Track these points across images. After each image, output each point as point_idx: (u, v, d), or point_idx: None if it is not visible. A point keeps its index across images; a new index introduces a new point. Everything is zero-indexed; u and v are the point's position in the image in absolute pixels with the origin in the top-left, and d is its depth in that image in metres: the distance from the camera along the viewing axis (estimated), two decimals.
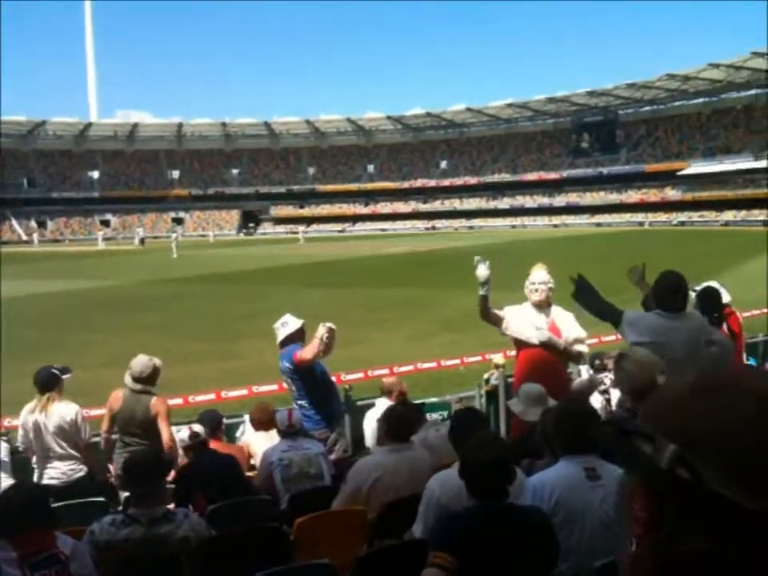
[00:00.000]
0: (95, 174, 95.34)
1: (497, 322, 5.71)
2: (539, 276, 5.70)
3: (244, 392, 9.42)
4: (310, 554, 3.57)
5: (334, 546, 3.65)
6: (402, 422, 4.34)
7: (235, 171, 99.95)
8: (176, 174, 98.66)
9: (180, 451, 5.25)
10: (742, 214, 66.93)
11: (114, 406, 5.60)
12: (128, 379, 5.62)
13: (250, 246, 56.88)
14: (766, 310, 12.63)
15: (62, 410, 5.45)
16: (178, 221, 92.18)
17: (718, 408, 0.75)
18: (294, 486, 4.69)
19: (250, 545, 3.66)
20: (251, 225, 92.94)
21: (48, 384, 5.47)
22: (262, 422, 5.85)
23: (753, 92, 79.07)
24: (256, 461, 5.43)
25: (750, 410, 0.73)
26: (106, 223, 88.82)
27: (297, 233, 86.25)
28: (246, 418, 6.48)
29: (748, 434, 0.72)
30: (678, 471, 0.75)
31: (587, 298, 4.34)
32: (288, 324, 6.17)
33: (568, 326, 5.65)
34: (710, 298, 5.66)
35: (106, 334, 15.36)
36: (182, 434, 5.13)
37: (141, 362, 5.66)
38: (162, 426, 5.54)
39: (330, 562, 3.28)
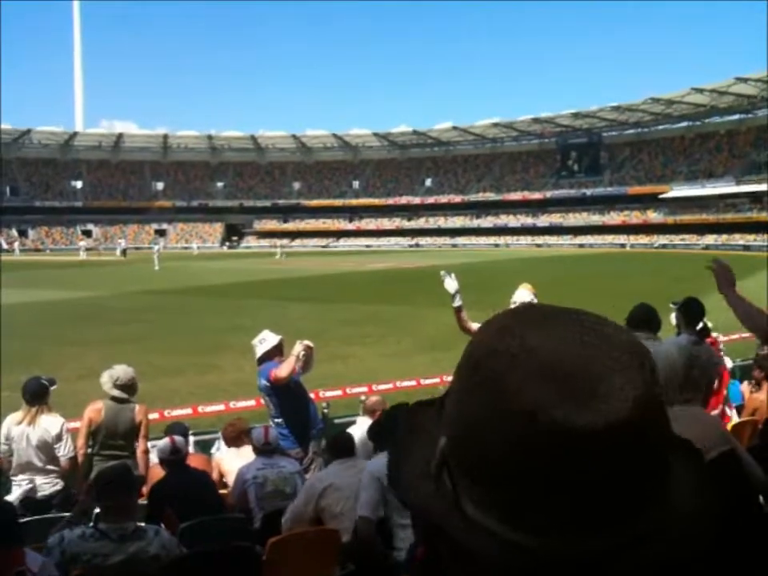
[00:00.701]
0: (79, 184, 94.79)
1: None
2: (521, 295, 5.71)
3: (221, 407, 9.35)
4: (282, 574, 3.52)
5: (305, 566, 3.61)
6: (343, 439, 4.61)
7: (220, 184, 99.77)
8: (160, 185, 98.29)
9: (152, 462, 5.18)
10: (722, 238, 67.54)
11: (95, 419, 5.47)
12: (109, 387, 5.51)
13: (234, 259, 56.74)
14: (745, 335, 12.68)
15: (49, 423, 5.37)
16: (161, 232, 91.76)
17: (481, 410, 0.58)
18: (269, 504, 4.64)
19: (222, 564, 3.61)
20: (234, 238, 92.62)
21: (37, 395, 5.39)
22: (233, 438, 5.79)
23: (736, 117, 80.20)
24: (227, 478, 5.37)
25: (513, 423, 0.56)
26: (88, 233, 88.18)
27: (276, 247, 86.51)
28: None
29: (508, 454, 0.56)
30: (442, 476, 0.61)
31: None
32: (266, 341, 6.13)
33: None
34: (692, 309, 5.64)
35: (83, 346, 15.20)
36: (162, 444, 5.01)
37: (124, 370, 5.58)
38: (142, 436, 5.47)
39: None
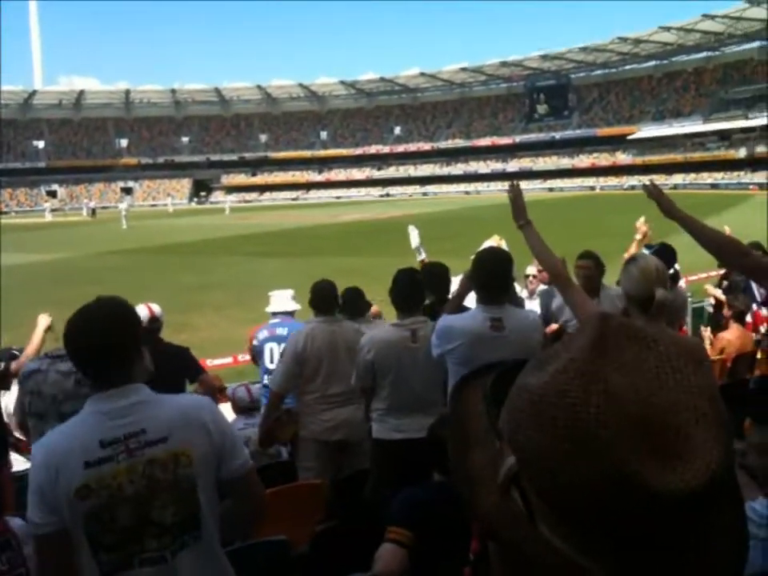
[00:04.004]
0: (41, 144, 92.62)
1: None
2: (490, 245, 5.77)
3: (204, 370, 9.32)
4: (267, 530, 3.57)
5: (291, 521, 3.66)
6: (324, 295, 4.78)
7: (185, 139, 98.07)
8: (124, 142, 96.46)
9: None
10: (690, 177, 68.04)
11: None
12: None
13: (204, 215, 56.11)
14: (714, 273, 12.88)
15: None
16: (127, 190, 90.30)
17: (552, 442, 0.60)
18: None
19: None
20: (203, 194, 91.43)
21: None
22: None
23: (703, 54, 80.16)
24: None
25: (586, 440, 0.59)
26: (52, 194, 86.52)
27: (248, 201, 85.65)
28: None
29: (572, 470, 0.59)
30: (512, 492, 0.64)
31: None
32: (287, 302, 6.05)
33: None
34: (666, 254, 5.73)
35: (54, 307, 15.04)
36: (141, 311, 4.81)
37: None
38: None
39: (286, 537, 3.28)
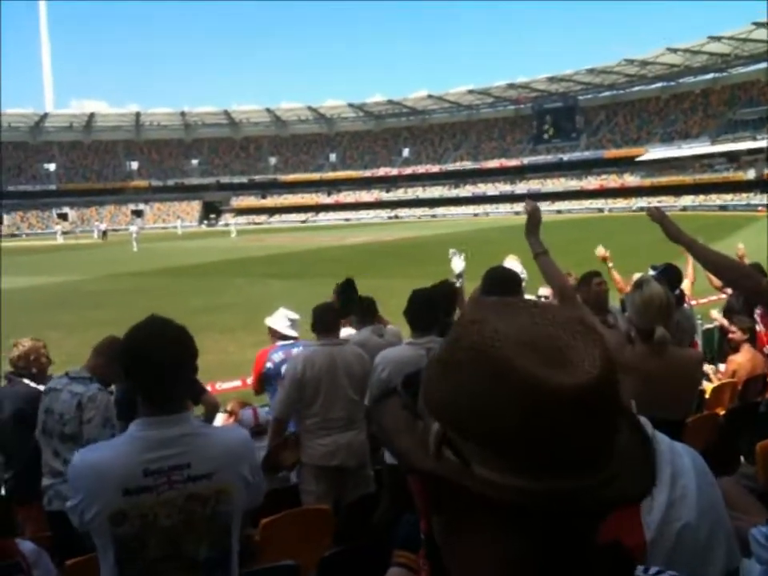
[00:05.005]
0: (52, 167, 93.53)
1: None
2: (511, 266, 5.78)
3: (207, 388, 9.31)
4: (276, 555, 3.55)
5: (299, 546, 3.63)
6: (324, 318, 4.75)
7: (195, 161, 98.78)
8: (135, 164, 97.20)
9: None
10: (699, 199, 67.95)
11: None
12: None
13: (213, 238, 56.33)
14: (723, 296, 12.80)
15: None
16: (138, 213, 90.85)
17: (463, 381, 0.69)
18: None
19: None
20: (212, 216, 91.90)
21: None
22: (230, 413, 5.80)
23: (710, 76, 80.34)
24: None
25: (488, 383, 0.68)
26: (63, 216, 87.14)
27: (258, 223, 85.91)
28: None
29: (494, 410, 0.67)
30: (445, 453, 0.70)
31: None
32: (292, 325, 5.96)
33: None
34: (671, 275, 5.73)
35: (64, 331, 15.09)
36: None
37: None
38: None
39: (295, 562, 3.26)
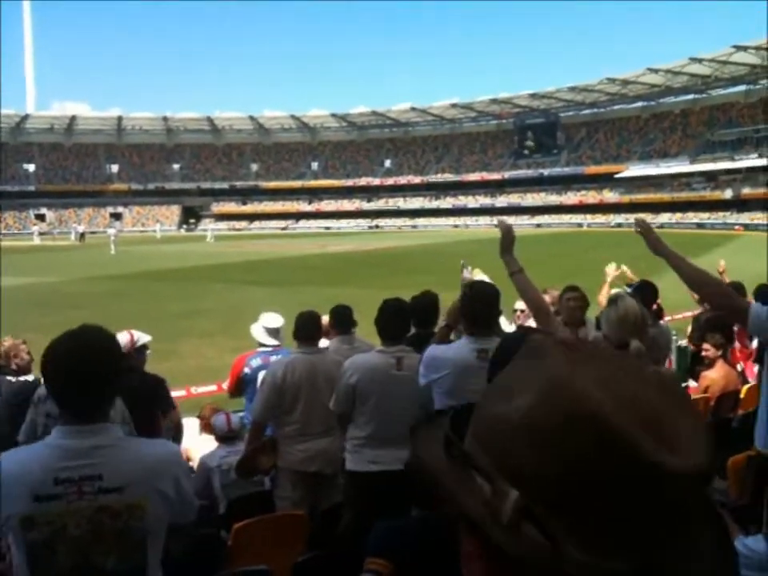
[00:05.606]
0: (31, 167, 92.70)
1: None
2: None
3: (182, 393, 9.27)
4: (248, 559, 3.54)
5: (272, 551, 3.63)
6: (305, 326, 4.78)
7: (176, 166, 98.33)
8: (115, 168, 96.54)
9: None
10: (677, 216, 68.70)
11: None
12: None
13: (191, 243, 56.07)
14: (698, 312, 12.94)
15: None
16: (117, 216, 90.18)
17: (561, 452, 0.62)
18: (233, 491, 4.65)
19: (186, 551, 3.60)
20: (192, 221, 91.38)
21: None
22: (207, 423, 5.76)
23: (690, 96, 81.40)
24: (195, 465, 5.35)
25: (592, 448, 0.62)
26: (41, 217, 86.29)
27: (238, 229, 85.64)
28: (185, 421, 6.35)
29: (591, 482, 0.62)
30: (524, 528, 0.62)
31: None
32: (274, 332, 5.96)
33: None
34: (647, 292, 5.80)
35: (39, 333, 14.93)
36: (121, 338, 4.79)
37: None
38: None
39: (267, 568, 3.26)
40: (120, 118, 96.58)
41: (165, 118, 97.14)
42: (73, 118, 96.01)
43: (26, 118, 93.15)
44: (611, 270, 7.05)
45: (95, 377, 2.18)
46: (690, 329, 8.32)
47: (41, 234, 67.60)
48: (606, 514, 0.61)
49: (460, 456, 0.68)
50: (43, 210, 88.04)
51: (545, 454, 0.63)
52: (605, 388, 0.64)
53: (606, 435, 0.61)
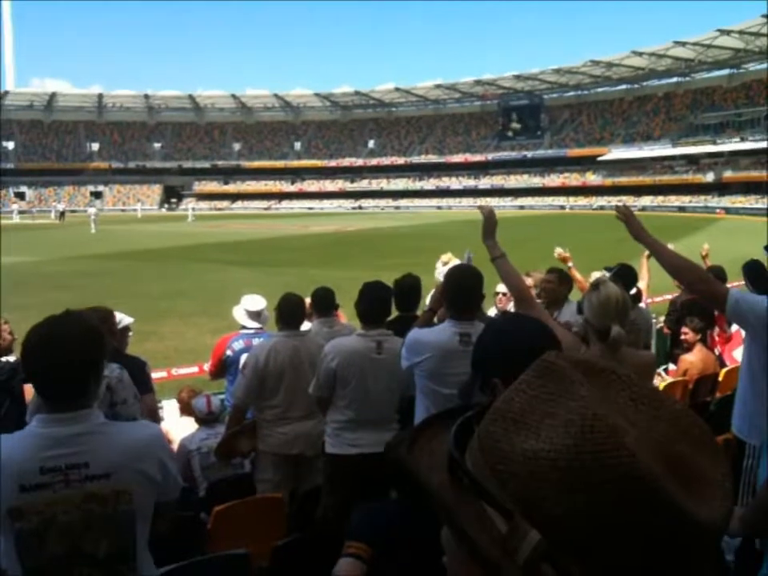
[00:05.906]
0: (10, 145, 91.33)
1: None
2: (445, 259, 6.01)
3: (163, 374, 9.23)
4: (228, 543, 3.54)
5: (252, 534, 3.63)
6: (289, 309, 4.77)
7: (158, 145, 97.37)
8: (95, 146, 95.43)
9: None
10: (658, 200, 69.03)
11: None
12: None
13: (173, 222, 55.68)
14: (677, 294, 13.03)
15: None
16: (97, 194, 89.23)
17: (591, 500, 0.59)
18: (214, 474, 4.64)
19: (165, 534, 3.60)
20: (173, 200, 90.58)
21: None
22: (188, 405, 5.73)
23: (674, 80, 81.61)
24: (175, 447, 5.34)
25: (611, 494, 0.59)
26: (21, 195, 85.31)
27: (220, 209, 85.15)
28: (166, 402, 6.34)
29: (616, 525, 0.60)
30: (543, 569, 0.59)
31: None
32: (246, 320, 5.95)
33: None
34: (626, 274, 5.81)
35: (21, 312, 14.80)
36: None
37: None
38: None
39: (247, 551, 3.26)
40: (101, 96, 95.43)
41: (146, 96, 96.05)
42: (53, 95, 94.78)
43: (5, 94, 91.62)
44: (561, 253, 7.01)
45: (73, 365, 2.15)
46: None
47: (20, 212, 66.86)
48: (631, 561, 0.60)
49: (468, 482, 0.65)
50: (23, 189, 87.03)
51: (577, 498, 0.60)
52: (634, 427, 0.62)
53: (643, 489, 0.59)
